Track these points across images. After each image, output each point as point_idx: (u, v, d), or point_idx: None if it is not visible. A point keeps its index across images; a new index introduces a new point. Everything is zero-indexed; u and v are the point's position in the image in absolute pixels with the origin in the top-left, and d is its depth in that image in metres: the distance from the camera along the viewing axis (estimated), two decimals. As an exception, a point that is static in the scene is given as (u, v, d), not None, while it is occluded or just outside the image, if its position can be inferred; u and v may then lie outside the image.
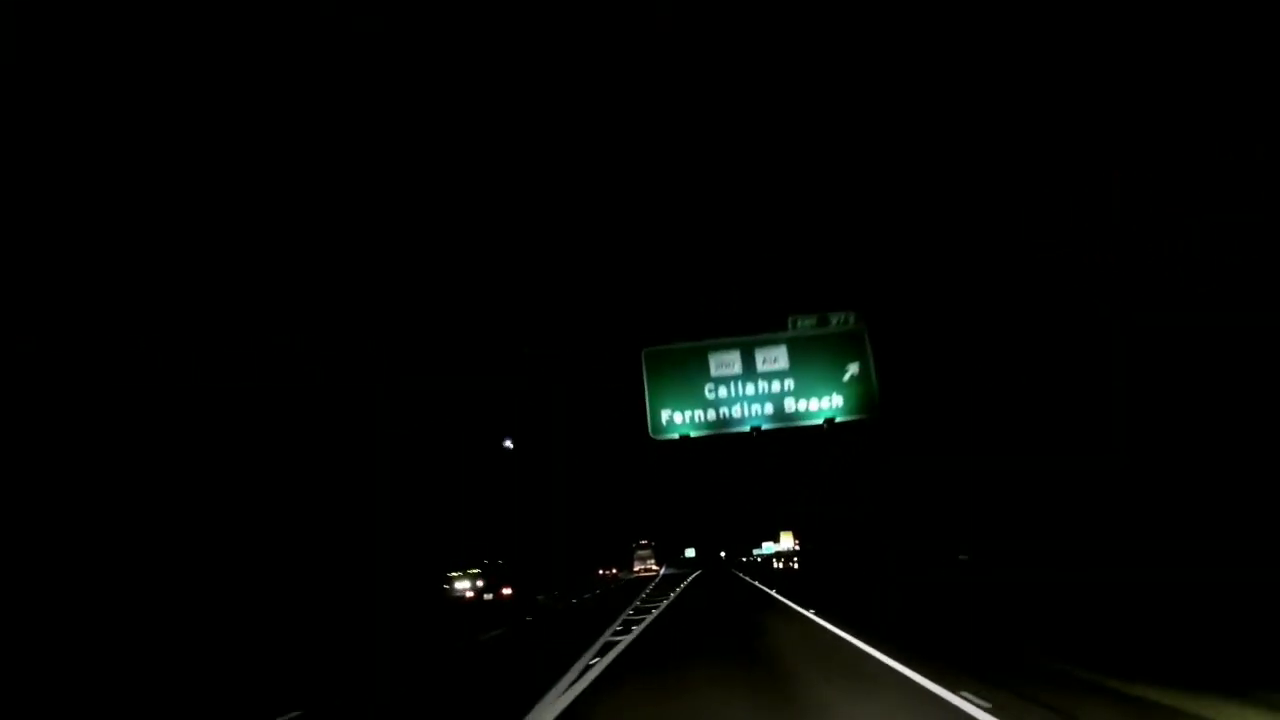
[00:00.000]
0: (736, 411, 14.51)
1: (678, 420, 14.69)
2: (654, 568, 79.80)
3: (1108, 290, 14.08)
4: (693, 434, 14.66)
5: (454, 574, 31.74)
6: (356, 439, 27.67)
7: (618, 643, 13.57)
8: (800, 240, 27.15)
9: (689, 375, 14.71)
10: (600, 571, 71.22)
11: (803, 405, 14.43)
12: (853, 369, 14.42)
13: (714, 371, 14.66)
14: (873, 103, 19.97)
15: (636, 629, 16.27)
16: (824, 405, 14.36)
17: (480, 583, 32.40)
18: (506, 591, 35.88)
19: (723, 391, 14.57)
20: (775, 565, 61.86)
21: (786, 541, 68.22)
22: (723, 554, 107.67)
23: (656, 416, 14.71)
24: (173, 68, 17.78)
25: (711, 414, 14.56)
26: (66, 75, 16.04)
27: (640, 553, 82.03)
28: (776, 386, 14.51)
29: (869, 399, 14.34)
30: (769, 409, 14.52)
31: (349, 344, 25.95)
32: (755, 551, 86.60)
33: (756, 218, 28.48)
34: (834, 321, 14.81)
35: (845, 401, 14.32)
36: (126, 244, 18.14)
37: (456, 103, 23.56)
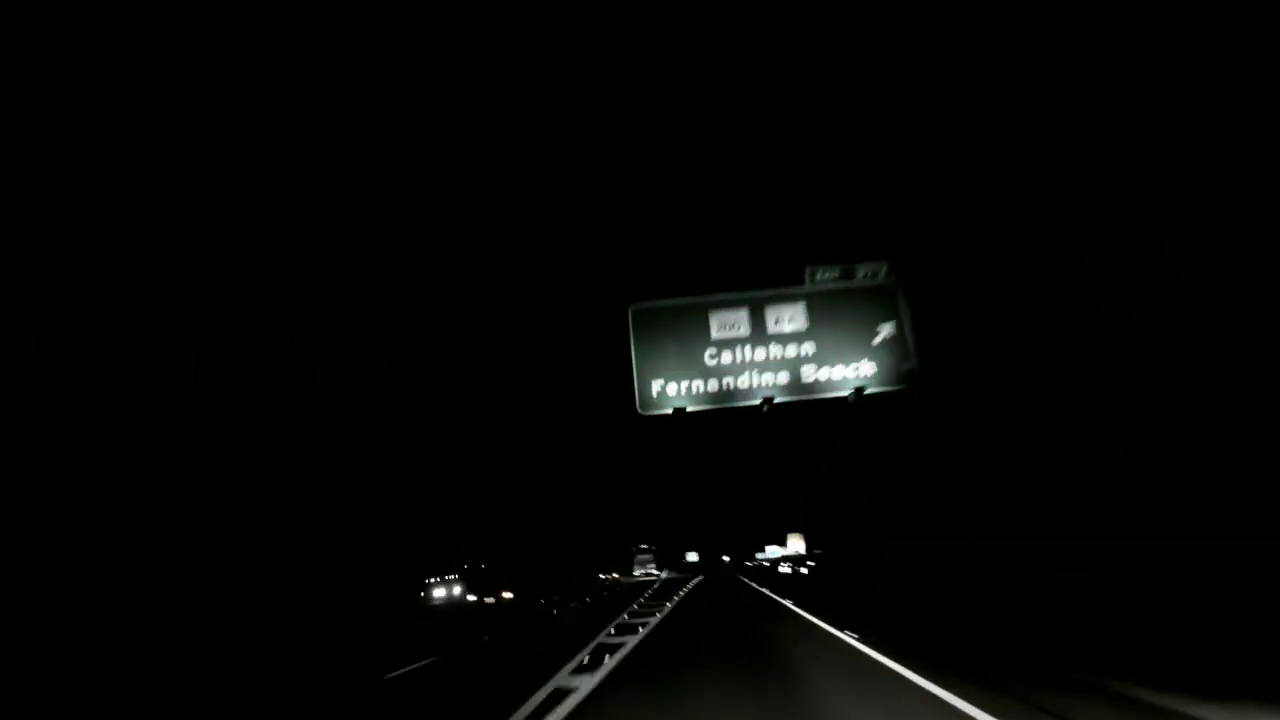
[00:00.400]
0: (743, 382, 12.31)
1: (671, 392, 12.37)
2: (654, 572, 79.79)
3: (1108, 290, 13.96)
4: (690, 408, 12.39)
5: (432, 580, 29.56)
6: (344, 438, 27.11)
7: (573, 689, 9.49)
8: (818, 180, 23.20)
9: (686, 338, 12.54)
10: (601, 575, 71.34)
11: (825, 374, 12.22)
12: (886, 330, 12.29)
13: (715, 334, 12.50)
14: (890, 42, 17.79)
15: (611, 659, 12.69)
16: (851, 374, 12.16)
17: (459, 589, 29.80)
18: (508, 596, 34.91)
19: (726, 358, 12.39)
20: (781, 570, 61.17)
21: (795, 544, 66.70)
22: (726, 558, 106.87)
23: (646, 387, 12.41)
24: (173, 68, 17.73)
25: (713, 384, 12.33)
26: (65, 75, 15.92)
27: (640, 557, 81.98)
28: (792, 351, 12.32)
29: (906, 366, 12.13)
30: (783, 378, 12.26)
31: (349, 344, 25.76)
32: (759, 556, 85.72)
33: (766, 153, 24.93)
34: (861, 274, 12.75)
35: (878, 369, 12.17)
36: (126, 244, 18.13)
37: (452, 96, 22.94)
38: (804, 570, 53.65)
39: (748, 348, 12.60)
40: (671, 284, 13.69)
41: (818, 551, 62.18)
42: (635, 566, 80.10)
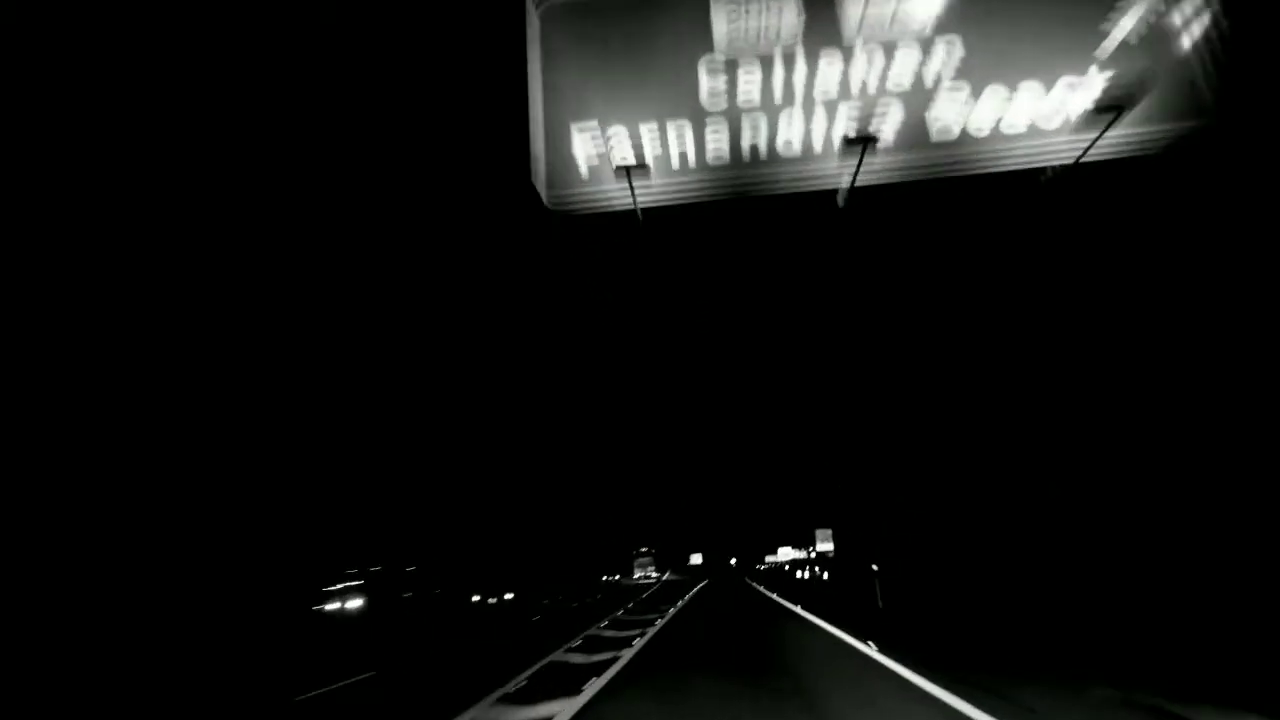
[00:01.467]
0: (789, 129, 5.27)
1: (619, 151, 5.23)
2: (653, 574, 79.86)
3: None
4: (657, 189, 5.40)
5: (332, 588, 21.95)
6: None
7: None
8: None
9: (653, 43, 5.32)
10: (604, 577, 72.34)
11: (990, 111, 5.13)
12: (1132, 17, 5.00)
13: (724, 34, 5.31)
14: None
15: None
16: (1050, 106, 5.09)
17: (358, 601, 22.14)
18: (509, 597, 32.22)
19: (747, 81, 5.27)
20: (799, 576, 52.95)
21: (823, 544, 57.41)
22: (733, 560, 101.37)
23: (560, 144, 5.32)
24: (173, 69, 16.37)
25: (717, 134, 5.26)
26: (61, 73, 15.74)
27: (640, 559, 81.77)
28: (909, 63, 5.21)
29: (1185, 86, 5.08)
30: (893, 119, 5.22)
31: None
32: (770, 559, 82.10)
33: None
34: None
35: (1120, 88, 4.95)
36: (123, 243, 17.41)
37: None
38: (822, 574, 45.18)
39: (800, 59, 5.24)
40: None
41: (835, 552, 53.57)
42: (635, 569, 79.47)
